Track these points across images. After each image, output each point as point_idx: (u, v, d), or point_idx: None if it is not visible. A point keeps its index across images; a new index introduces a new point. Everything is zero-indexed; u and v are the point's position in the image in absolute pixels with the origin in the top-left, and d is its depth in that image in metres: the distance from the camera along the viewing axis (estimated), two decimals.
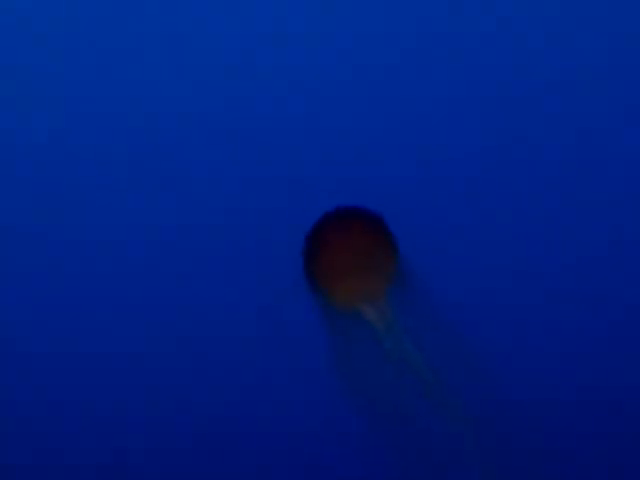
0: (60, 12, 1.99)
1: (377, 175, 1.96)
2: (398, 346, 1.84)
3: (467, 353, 1.89)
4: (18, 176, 2.01)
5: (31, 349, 2.03)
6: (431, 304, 1.89)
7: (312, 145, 1.97)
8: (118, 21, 1.99)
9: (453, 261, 1.95)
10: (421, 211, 1.95)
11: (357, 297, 1.82)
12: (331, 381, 1.93)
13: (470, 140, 1.97)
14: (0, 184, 2.01)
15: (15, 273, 2.02)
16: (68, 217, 2.01)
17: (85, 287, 2.01)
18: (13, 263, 2.02)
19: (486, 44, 1.97)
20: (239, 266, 1.97)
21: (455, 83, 1.96)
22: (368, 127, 1.97)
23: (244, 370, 1.98)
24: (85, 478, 2.04)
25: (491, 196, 1.97)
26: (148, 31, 1.98)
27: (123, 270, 2.00)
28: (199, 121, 1.98)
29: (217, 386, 1.99)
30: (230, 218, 1.97)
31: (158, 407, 2.01)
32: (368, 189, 1.94)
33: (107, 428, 2.02)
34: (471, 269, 1.96)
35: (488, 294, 1.96)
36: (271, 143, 1.97)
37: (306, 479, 2.01)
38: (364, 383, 1.88)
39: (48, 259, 2.01)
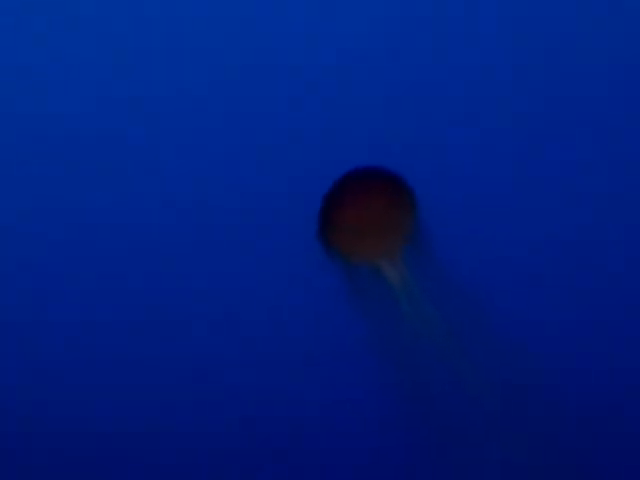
0: (58, 11, 1.99)
1: (398, 134, 1.97)
2: (414, 302, 1.86)
3: (480, 311, 1.91)
4: (16, 175, 2.00)
5: (29, 349, 2.03)
6: (447, 262, 1.91)
7: (331, 107, 1.97)
8: (116, 19, 1.99)
9: (470, 222, 1.98)
10: (441, 171, 1.97)
11: (374, 254, 1.84)
12: (350, 339, 1.95)
13: (494, 102, 1.97)
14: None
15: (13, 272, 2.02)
16: (75, 213, 2.01)
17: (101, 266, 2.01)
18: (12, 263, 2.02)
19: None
20: (257, 228, 1.98)
21: (479, 40, 1.97)
22: (388, 87, 1.97)
23: (264, 333, 2.00)
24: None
25: (512, 158, 1.98)
26: (144, 27, 1.99)
27: (142, 236, 2.00)
28: (216, 84, 1.97)
29: (236, 354, 2.00)
30: (247, 182, 1.98)
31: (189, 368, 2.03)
32: (388, 149, 1.95)
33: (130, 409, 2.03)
34: (488, 230, 1.98)
35: (503, 256, 1.99)
36: (288, 106, 1.97)
37: (327, 438, 2.03)
38: (382, 339, 1.90)
39: (51, 257, 2.01)
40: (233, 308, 2.01)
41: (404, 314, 1.87)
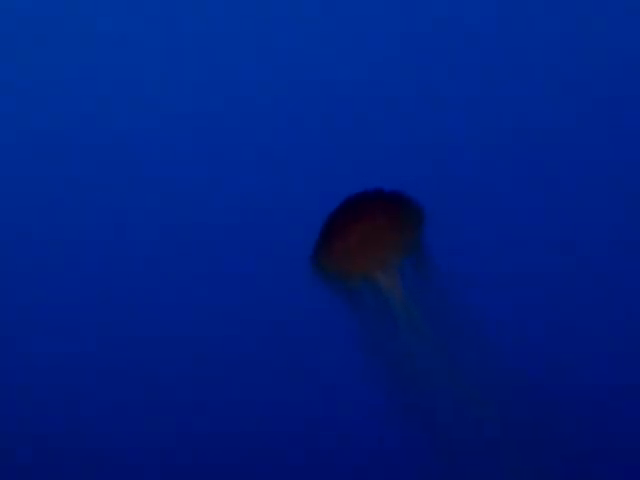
0: (57, 13, 1.98)
1: (400, 149, 1.97)
2: (411, 316, 1.85)
3: (476, 325, 1.90)
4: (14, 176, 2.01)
5: (31, 349, 2.03)
6: (444, 276, 1.90)
7: (331, 131, 1.96)
8: (115, 22, 1.98)
9: (468, 236, 1.98)
10: (441, 185, 1.96)
11: (371, 268, 1.83)
12: (346, 352, 1.95)
13: (495, 119, 1.97)
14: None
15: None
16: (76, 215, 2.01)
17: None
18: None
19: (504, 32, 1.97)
20: (253, 247, 1.99)
21: (476, 64, 1.95)
22: (390, 107, 1.97)
23: (258, 348, 2.00)
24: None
25: (513, 177, 1.97)
26: (147, 33, 1.98)
27: (135, 262, 2.00)
28: (217, 107, 1.97)
29: (236, 373, 2.01)
30: (252, 205, 1.98)
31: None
32: (390, 163, 1.95)
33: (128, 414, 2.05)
34: (485, 245, 1.98)
35: (500, 270, 1.99)
36: (287, 133, 1.97)
37: (324, 451, 2.05)
38: (378, 352, 1.89)
39: (49, 257, 2.02)
40: (228, 323, 2.02)
41: (400, 328, 1.85)
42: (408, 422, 1.91)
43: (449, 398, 1.87)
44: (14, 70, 1.95)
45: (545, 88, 1.96)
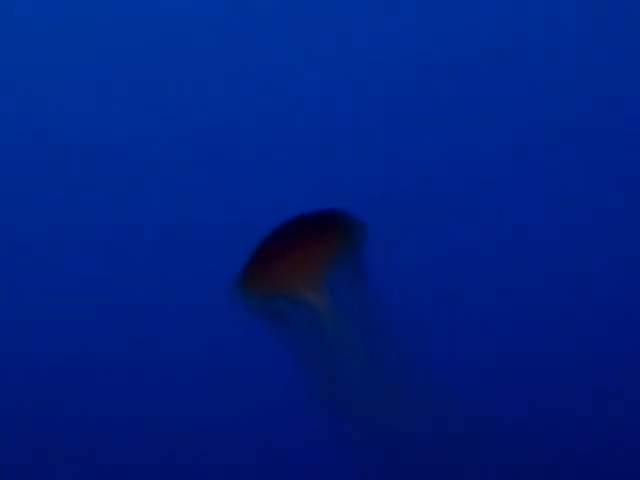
0: (57, 13, 1.99)
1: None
2: (338, 328, 1.84)
3: (405, 336, 1.90)
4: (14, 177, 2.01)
5: (31, 349, 2.04)
6: (373, 289, 1.89)
7: (264, 150, 1.97)
8: (115, 21, 1.99)
9: (398, 248, 1.98)
10: (379, 204, 1.96)
11: (299, 283, 1.82)
12: (274, 367, 1.95)
13: (432, 136, 1.97)
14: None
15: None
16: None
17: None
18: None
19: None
20: (187, 272, 1.98)
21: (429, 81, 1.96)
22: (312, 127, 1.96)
23: (187, 370, 2.00)
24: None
25: (452, 193, 1.98)
26: (147, 34, 1.98)
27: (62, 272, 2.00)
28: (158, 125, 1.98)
29: (169, 391, 2.02)
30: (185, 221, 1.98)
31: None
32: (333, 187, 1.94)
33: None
34: (416, 259, 1.98)
35: (430, 282, 2.00)
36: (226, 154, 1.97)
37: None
38: (307, 366, 1.89)
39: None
40: (158, 343, 2.03)
41: (331, 343, 1.85)
42: (344, 439, 1.91)
43: (384, 410, 1.87)
44: (14, 70, 1.96)
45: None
